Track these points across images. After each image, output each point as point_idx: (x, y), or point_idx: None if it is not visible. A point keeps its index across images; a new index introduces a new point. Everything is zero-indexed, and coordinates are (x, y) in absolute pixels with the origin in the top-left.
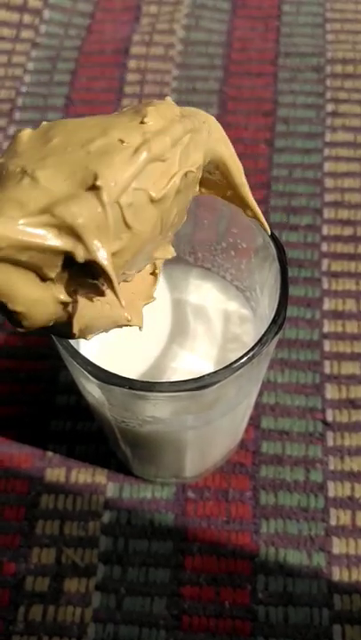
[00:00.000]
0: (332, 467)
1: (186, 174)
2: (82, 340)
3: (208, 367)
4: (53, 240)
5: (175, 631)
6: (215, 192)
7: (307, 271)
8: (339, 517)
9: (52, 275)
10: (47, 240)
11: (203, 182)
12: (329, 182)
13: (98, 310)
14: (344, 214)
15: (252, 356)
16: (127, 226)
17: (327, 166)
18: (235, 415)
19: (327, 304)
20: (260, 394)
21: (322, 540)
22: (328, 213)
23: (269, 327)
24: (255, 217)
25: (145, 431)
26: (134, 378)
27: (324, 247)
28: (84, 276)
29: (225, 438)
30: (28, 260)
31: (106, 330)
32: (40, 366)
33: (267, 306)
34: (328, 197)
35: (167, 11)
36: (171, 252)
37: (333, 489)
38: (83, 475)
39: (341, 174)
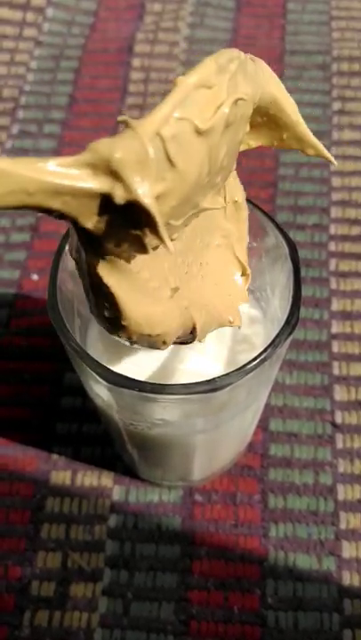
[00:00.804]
0: (341, 469)
1: (236, 102)
2: (88, 342)
3: (217, 369)
4: (89, 181)
5: (183, 637)
6: (266, 139)
7: (314, 271)
8: (349, 521)
9: (90, 225)
10: (82, 181)
11: (253, 127)
12: (336, 181)
13: (209, 315)
14: (352, 213)
15: (265, 358)
16: (171, 163)
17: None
18: (245, 418)
19: (335, 304)
20: (268, 395)
21: (332, 544)
22: (335, 212)
23: (282, 328)
24: (319, 154)
25: (153, 434)
26: (142, 380)
27: (332, 247)
28: (125, 225)
29: (234, 441)
30: (62, 208)
31: (211, 331)
32: (45, 367)
33: (278, 306)
34: (335, 196)
35: (171, 9)
36: (220, 203)
37: (343, 492)
38: (88, 478)
39: (349, 173)
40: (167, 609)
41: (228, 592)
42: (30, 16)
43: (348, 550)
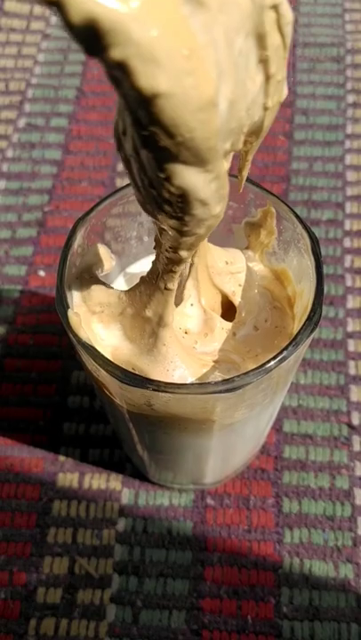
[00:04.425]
0: (359, 472)
1: None
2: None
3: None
4: None
5: None
6: None
7: (329, 268)
8: None
9: None
10: None
11: None
12: (351, 175)
13: None
14: None
15: (285, 357)
16: None
17: (349, 159)
18: (261, 419)
19: (351, 302)
20: None
21: (349, 551)
22: (350, 208)
23: (304, 325)
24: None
25: (166, 436)
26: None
27: (347, 243)
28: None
29: (249, 443)
30: None
31: None
32: (52, 366)
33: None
34: (350, 191)
35: None
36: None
37: None
38: (96, 480)
39: None
40: (178, 617)
41: (241, 600)
42: (37, 9)
43: None
